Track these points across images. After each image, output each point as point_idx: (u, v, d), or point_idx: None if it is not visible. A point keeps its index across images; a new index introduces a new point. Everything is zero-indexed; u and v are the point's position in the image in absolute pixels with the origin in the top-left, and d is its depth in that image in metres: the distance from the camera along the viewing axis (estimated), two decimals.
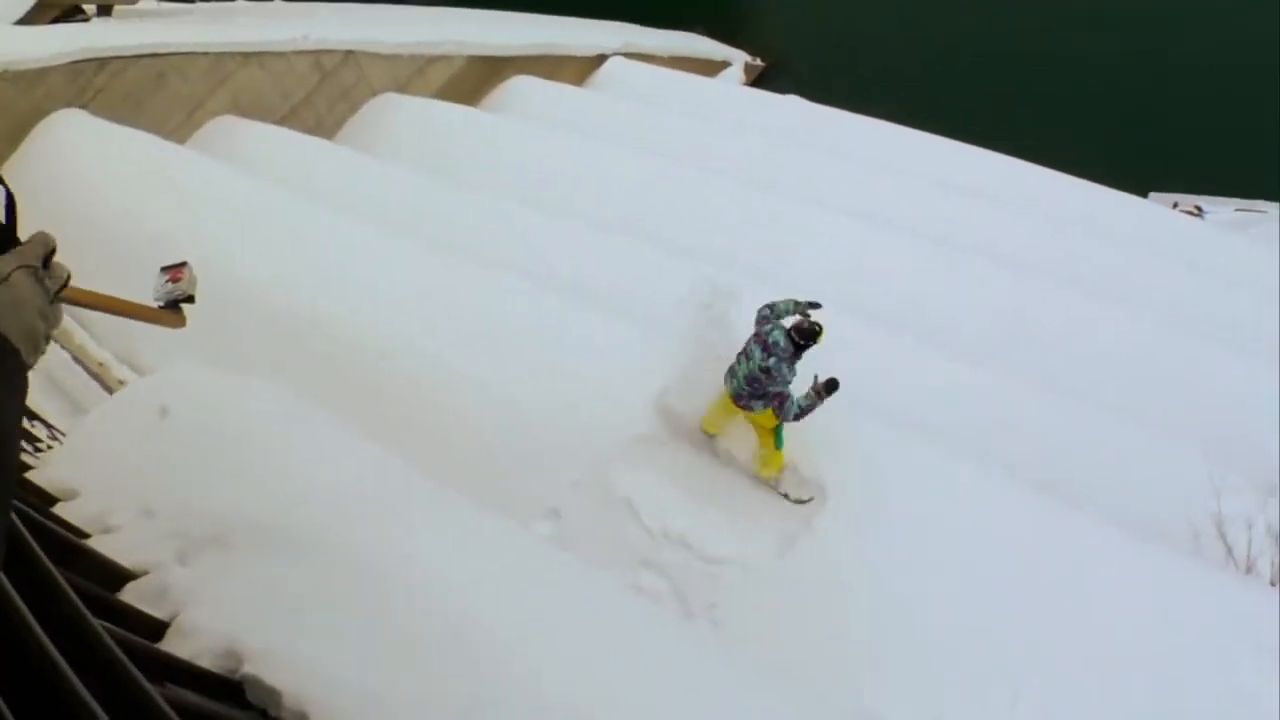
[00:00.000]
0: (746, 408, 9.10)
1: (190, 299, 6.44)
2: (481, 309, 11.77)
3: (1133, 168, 22.29)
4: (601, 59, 23.11)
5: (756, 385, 8.79)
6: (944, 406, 11.83)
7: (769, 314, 8.76)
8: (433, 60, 20.17)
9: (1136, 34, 26.43)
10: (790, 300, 8.85)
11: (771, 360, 8.48)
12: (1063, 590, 8.96)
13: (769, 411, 8.95)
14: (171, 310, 6.54)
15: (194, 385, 7.37)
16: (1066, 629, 8.74)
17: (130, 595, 5.40)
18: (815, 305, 8.71)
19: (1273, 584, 9.83)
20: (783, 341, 8.50)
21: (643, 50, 23.87)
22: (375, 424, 10.26)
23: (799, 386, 8.88)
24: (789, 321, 8.69)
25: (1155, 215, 19.33)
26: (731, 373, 8.97)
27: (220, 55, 17.03)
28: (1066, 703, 8.37)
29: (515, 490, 10.00)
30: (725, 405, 9.25)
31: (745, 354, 8.79)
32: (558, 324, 11.54)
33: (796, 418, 8.81)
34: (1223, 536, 10.06)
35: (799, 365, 8.74)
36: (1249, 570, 9.93)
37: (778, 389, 8.56)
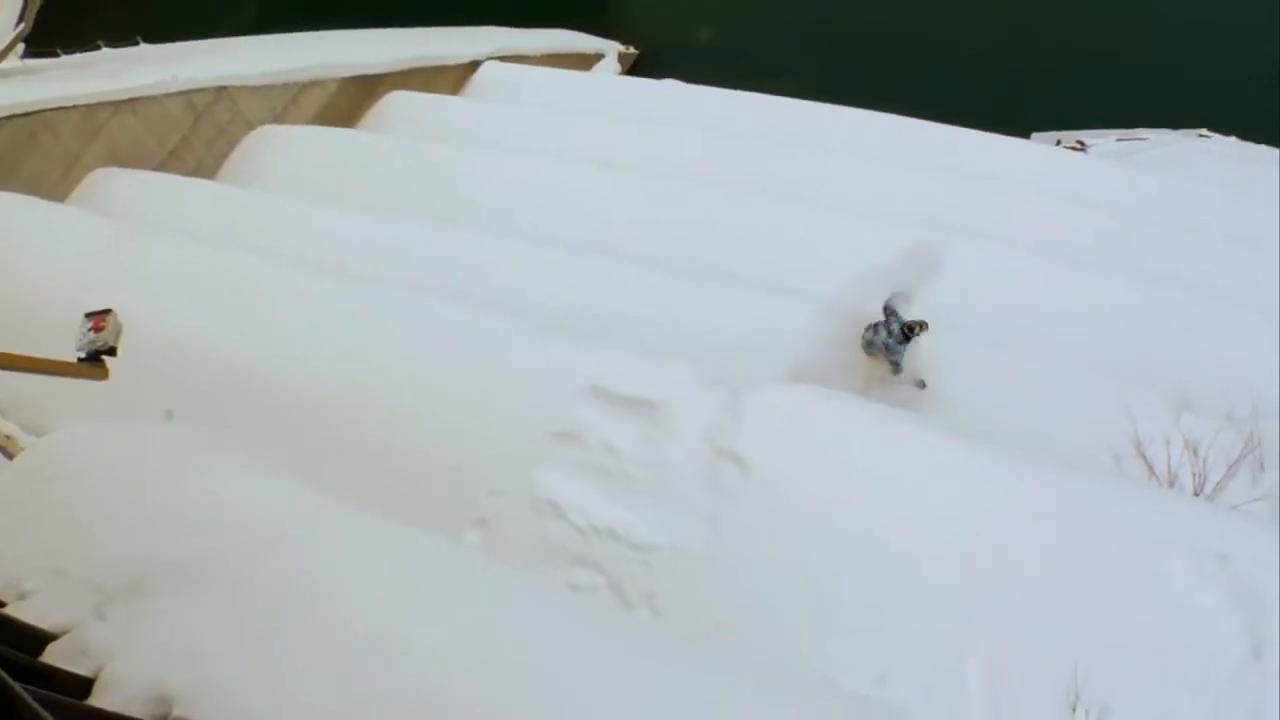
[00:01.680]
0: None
1: (112, 351, 6.44)
2: (384, 326, 11.86)
3: (1013, 112, 22.78)
4: (476, 65, 23.06)
5: (870, 348, 12.16)
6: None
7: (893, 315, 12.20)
8: (306, 86, 20.05)
9: None
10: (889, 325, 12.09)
11: (890, 340, 11.91)
12: (996, 533, 9.14)
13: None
14: (92, 364, 6.53)
15: (92, 439, 7.36)
16: (1004, 571, 8.94)
17: (53, 656, 5.45)
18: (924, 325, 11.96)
19: (1196, 494, 10.14)
20: (897, 331, 11.89)
21: (516, 52, 23.84)
22: (293, 453, 10.34)
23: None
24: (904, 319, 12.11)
25: (1038, 153, 19.71)
26: (869, 343, 12.22)
27: (91, 107, 16.85)
28: (1012, 642, 8.58)
29: (441, 505, 10.14)
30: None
31: (875, 329, 12.12)
32: (462, 332, 11.63)
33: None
34: (1142, 455, 10.37)
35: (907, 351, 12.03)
36: (1171, 485, 10.22)
37: (894, 358, 12.01)
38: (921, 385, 12.12)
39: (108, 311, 6.60)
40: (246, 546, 6.26)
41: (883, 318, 12.22)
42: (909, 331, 11.91)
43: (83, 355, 6.48)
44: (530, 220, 15.65)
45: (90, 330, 6.52)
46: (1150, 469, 10.31)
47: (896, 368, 12.12)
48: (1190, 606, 8.56)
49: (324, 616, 5.72)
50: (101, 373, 6.52)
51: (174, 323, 12.16)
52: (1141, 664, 8.32)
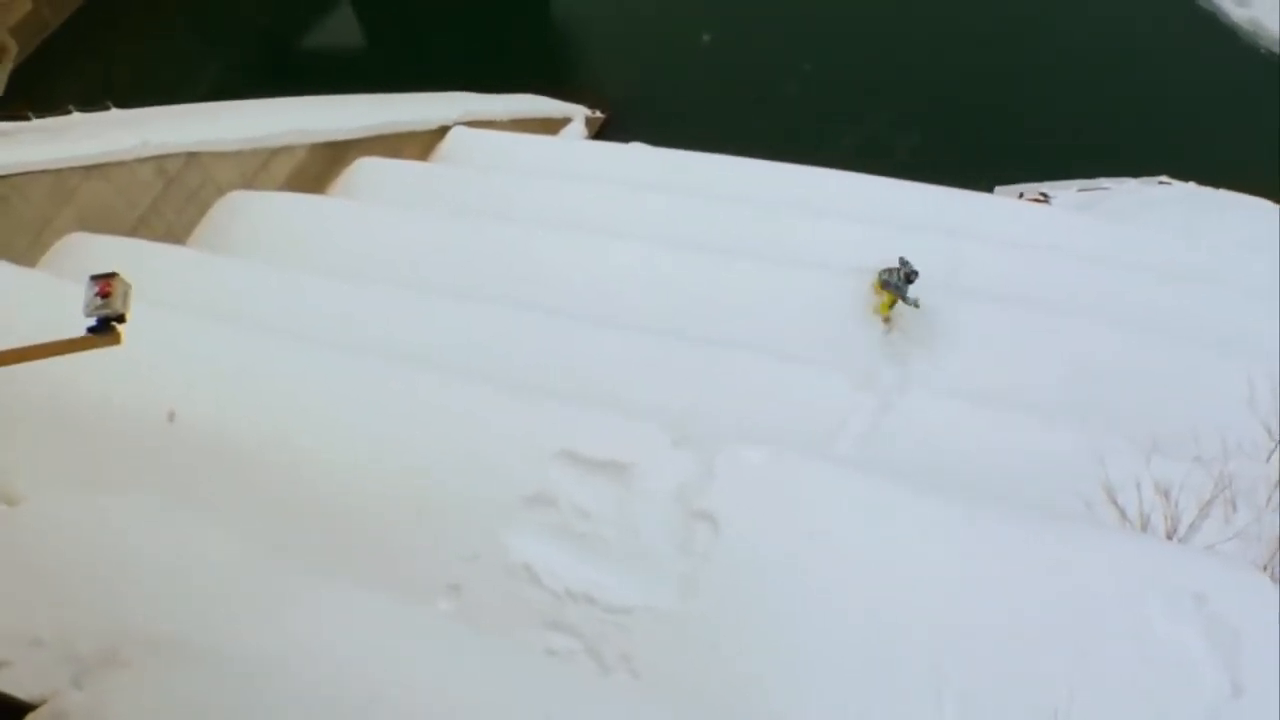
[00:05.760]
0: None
1: (121, 319, 6.21)
2: (356, 392, 11.80)
3: (977, 167, 23.14)
4: (444, 130, 23.19)
5: (888, 287, 15.01)
6: (823, 421, 12.21)
7: (898, 270, 15.11)
8: (276, 153, 20.07)
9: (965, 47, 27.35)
10: (901, 271, 15.03)
11: (899, 281, 14.83)
12: (969, 581, 9.26)
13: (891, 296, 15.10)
14: (103, 333, 6.28)
15: (64, 508, 7.32)
16: (979, 617, 9.03)
17: None
18: (915, 273, 15.00)
19: (1169, 536, 10.23)
20: (902, 277, 14.89)
21: (483, 116, 23.98)
22: (265, 520, 10.27)
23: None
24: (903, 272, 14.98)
25: (1004, 208, 20.06)
26: (884, 283, 15.10)
27: (61, 171, 16.73)
28: (989, 686, 8.64)
29: (415, 570, 10.08)
30: (886, 300, 15.20)
31: (890, 272, 15.03)
32: (432, 397, 11.62)
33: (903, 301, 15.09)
34: (1113, 501, 10.44)
35: (911, 290, 14.83)
36: (1144, 528, 10.31)
37: (902, 294, 14.86)
38: (916, 305, 14.99)
39: (113, 275, 6.38)
40: (218, 616, 6.24)
41: (897, 265, 15.00)
42: (910, 277, 14.73)
43: (93, 324, 6.28)
44: (501, 284, 15.70)
45: (97, 295, 6.30)
46: (1122, 513, 10.39)
47: (904, 298, 14.91)
48: (1169, 647, 8.68)
49: (296, 688, 5.70)
50: (114, 339, 6.28)
51: (145, 391, 12.07)
52: (1122, 704, 8.40)
